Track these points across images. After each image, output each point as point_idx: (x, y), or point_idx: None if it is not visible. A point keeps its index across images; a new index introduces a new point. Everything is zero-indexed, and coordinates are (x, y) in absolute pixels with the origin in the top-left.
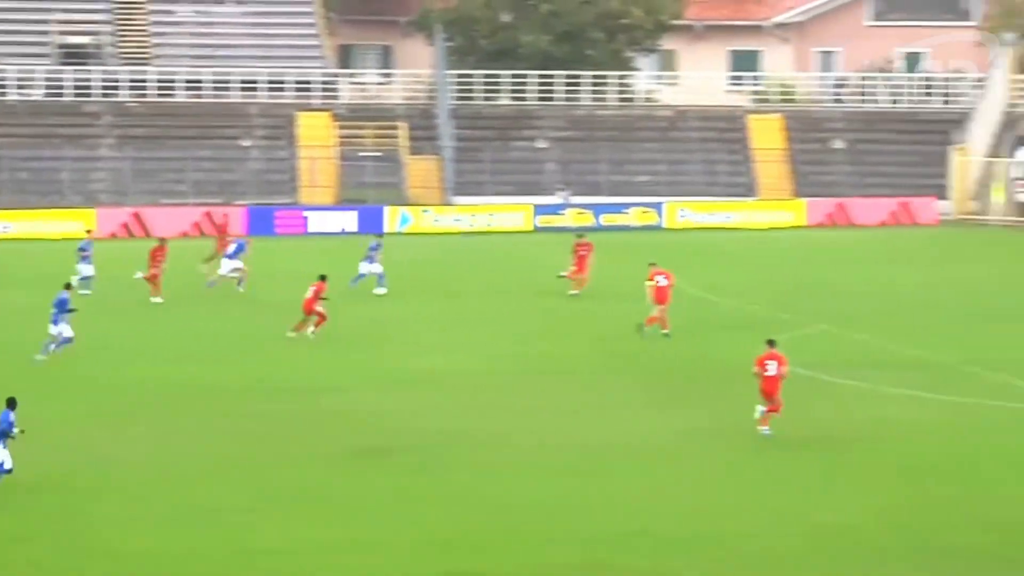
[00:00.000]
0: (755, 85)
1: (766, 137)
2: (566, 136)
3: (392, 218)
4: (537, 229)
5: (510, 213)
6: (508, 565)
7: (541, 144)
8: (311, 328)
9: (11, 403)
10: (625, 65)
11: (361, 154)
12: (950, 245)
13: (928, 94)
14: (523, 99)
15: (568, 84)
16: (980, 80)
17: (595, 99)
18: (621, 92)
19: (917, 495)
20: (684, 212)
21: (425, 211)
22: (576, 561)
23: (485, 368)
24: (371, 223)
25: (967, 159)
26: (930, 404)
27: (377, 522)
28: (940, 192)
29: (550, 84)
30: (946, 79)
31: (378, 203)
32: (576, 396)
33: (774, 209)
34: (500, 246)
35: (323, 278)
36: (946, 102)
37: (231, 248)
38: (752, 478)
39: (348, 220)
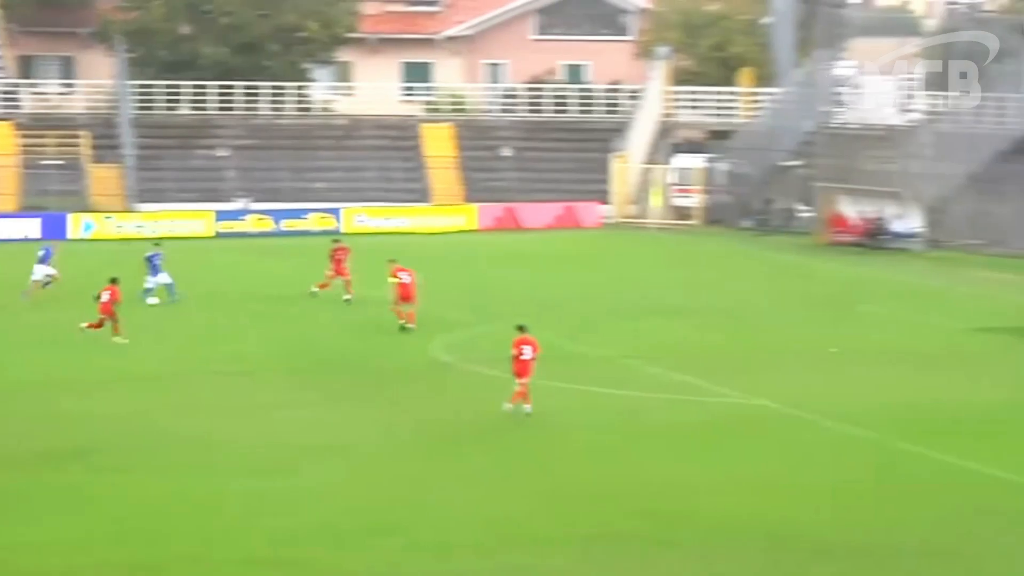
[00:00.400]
0: (427, 95)
1: (438, 145)
2: (246, 144)
3: (75, 225)
4: (219, 235)
5: (192, 219)
6: (188, 559)
7: (222, 152)
8: (116, 332)
9: None
10: (302, 76)
11: (43, 162)
12: (611, 246)
13: (590, 104)
14: (203, 109)
15: (247, 94)
16: (637, 91)
17: (273, 109)
18: (299, 102)
19: (580, 484)
20: (361, 217)
21: (108, 218)
22: (262, 556)
23: (172, 371)
24: (54, 230)
25: (627, 166)
26: (594, 396)
27: (49, 522)
28: (602, 197)
29: (230, 94)
30: (606, 90)
31: (61, 211)
32: (262, 396)
33: (447, 214)
34: (183, 252)
35: (114, 280)
36: (606, 112)
37: (40, 253)
38: (429, 472)
39: (31, 227)
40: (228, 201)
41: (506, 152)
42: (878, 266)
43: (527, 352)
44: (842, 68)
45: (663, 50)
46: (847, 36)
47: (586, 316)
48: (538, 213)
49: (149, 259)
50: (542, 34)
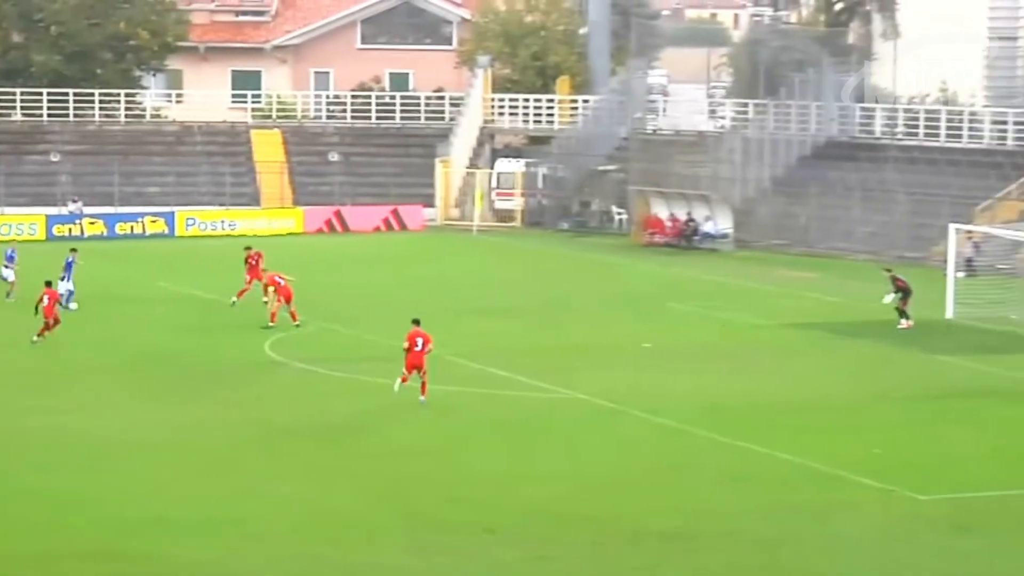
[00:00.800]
0: (256, 103)
1: (267, 150)
2: (78, 150)
3: None
4: (51, 238)
5: (25, 223)
6: (25, 555)
7: (54, 158)
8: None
9: None
10: (134, 83)
11: None
12: (435, 248)
13: (414, 111)
14: (36, 115)
15: (79, 101)
16: (460, 99)
17: (105, 115)
18: (130, 109)
19: (406, 475)
20: (193, 220)
21: None
22: (90, 549)
23: (20, 369)
24: None
25: (450, 170)
26: (416, 392)
27: None
28: (427, 200)
29: (62, 101)
30: (429, 97)
31: None
32: (93, 394)
33: (276, 217)
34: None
35: (49, 284)
36: (430, 118)
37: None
38: (262, 466)
39: None
40: (61, 205)
41: (333, 157)
42: (689, 266)
43: (419, 344)
44: (655, 77)
45: (484, 59)
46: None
47: (410, 315)
48: (365, 216)
49: (68, 264)
50: (367, 43)
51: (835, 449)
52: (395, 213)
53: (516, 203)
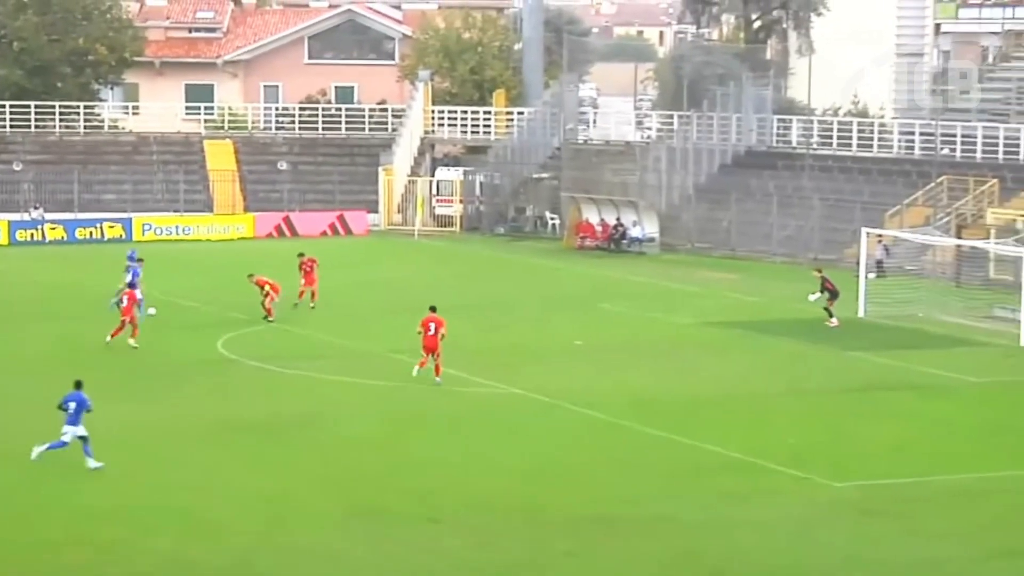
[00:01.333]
0: (209, 114)
1: (220, 159)
2: (40, 159)
3: None
4: (14, 243)
5: None
6: None
7: (17, 167)
8: None
9: (80, 384)
10: (92, 96)
11: None
12: (379, 251)
13: (359, 122)
14: (0, 127)
15: (41, 113)
16: (401, 111)
17: (66, 126)
18: (89, 120)
19: (351, 467)
20: (149, 226)
21: None
22: (60, 537)
23: None
24: None
25: (392, 178)
26: (363, 388)
27: None
28: (371, 206)
29: (24, 113)
30: (373, 110)
31: None
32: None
33: (228, 223)
34: None
35: (132, 285)
36: (374, 129)
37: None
38: (212, 459)
39: None
40: (23, 212)
41: (282, 166)
42: (618, 268)
43: (432, 329)
44: (585, 90)
45: (424, 73)
46: (589, 62)
47: (357, 315)
48: (313, 222)
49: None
50: (314, 59)
51: (755, 440)
52: (341, 218)
53: (455, 209)
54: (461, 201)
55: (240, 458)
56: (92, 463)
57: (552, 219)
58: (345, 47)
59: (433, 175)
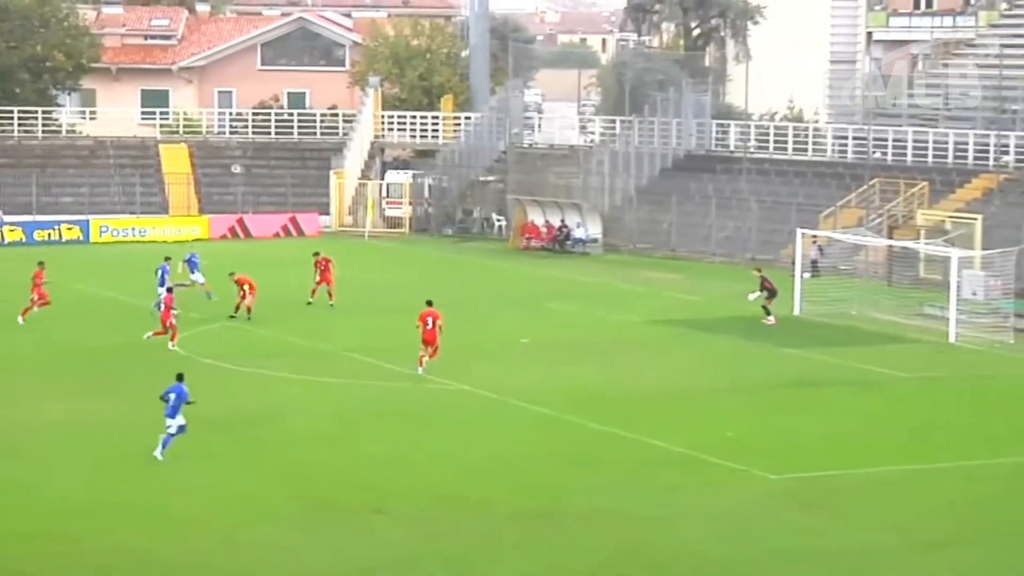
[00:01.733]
0: (164, 119)
1: (175, 163)
2: None
3: None
4: None
5: None
6: None
7: None
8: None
9: (181, 376)
10: (50, 101)
11: None
12: (330, 252)
13: (310, 127)
14: None
15: None
16: (352, 115)
17: (24, 131)
18: (47, 125)
19: (305, 463)
20: (106, 227)
21: None
22: (29, 530)
23: None
24: None
25: (343, 181)
26: (318, 386)
27: None
28: (323, 208)
29: None
30: (324, 114)
31: None
32: (8, 387)
33: (184, 224)
34: None
35: (170, 289)
36: (325, 134)
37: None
38: (174, 456)
39: None
40: None
41: (236, 169)
42: (563, 268)
43: (429, 323)
44: (530, 96)
45: (374, 79)
46: (534, 68)
47: (310, 314)
48: (266, 223)
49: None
50: (267, 65)
51: (695, 434)
52: (293, 220)
53: (404, 211)
54: (410, 203)
55: (199, 455)
56: (159, 452)
57: (498, 221)
58: (297, 54)
59: (383, 178)
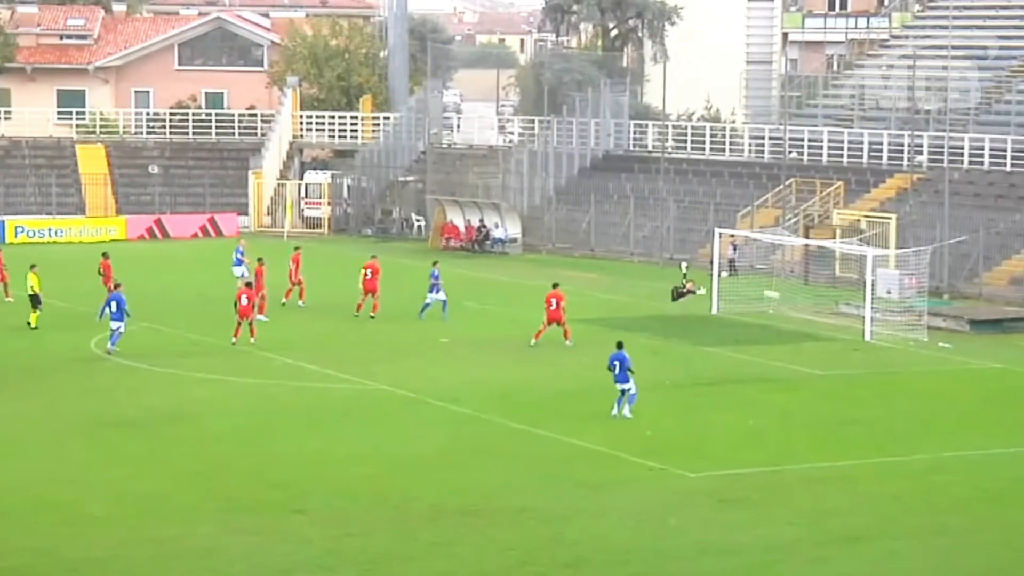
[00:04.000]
0: (81, 119)
1: (92, 163)
2: None
3: None
4: None
5: None
6: None
7: None
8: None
9: (621, 344)
10: None
11: None
12: (249, 253)
13: (229, 127)
14: None
15: None
16: (270, 116)
17: None
18: None
19: (221, 462)
20: (22, 228)
21: None
22: None
23: None
24: None
25: (262, 181)
26: (234, 385)
27: None
28: (241, 209)
29: None
30: (242, 115)
31: None
32: None
33: (101, 225)
34: None
35: (249, 284)
36: (243, 134)
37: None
38: (81, 455)
39: None
40: None
41: (154, 170)
42: (482, 268)
43: (554, 304)
44: (449, 96)
45: (293, 79)
46: (453, 68)
47: (226, 315)
48: (184, 224)
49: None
50: (184, 65)
51: (613, 432)
52: (212, 221)
53: (323, 211)
54: (329, 203)
55: (112, 453)
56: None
57: (418, 221)
58: (215, 54)
59: (302, 178)
